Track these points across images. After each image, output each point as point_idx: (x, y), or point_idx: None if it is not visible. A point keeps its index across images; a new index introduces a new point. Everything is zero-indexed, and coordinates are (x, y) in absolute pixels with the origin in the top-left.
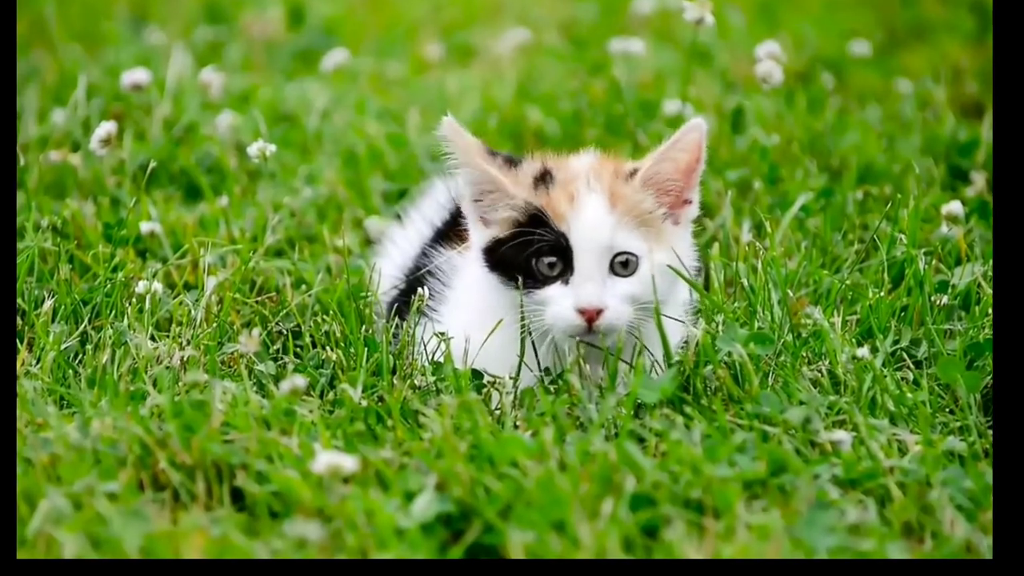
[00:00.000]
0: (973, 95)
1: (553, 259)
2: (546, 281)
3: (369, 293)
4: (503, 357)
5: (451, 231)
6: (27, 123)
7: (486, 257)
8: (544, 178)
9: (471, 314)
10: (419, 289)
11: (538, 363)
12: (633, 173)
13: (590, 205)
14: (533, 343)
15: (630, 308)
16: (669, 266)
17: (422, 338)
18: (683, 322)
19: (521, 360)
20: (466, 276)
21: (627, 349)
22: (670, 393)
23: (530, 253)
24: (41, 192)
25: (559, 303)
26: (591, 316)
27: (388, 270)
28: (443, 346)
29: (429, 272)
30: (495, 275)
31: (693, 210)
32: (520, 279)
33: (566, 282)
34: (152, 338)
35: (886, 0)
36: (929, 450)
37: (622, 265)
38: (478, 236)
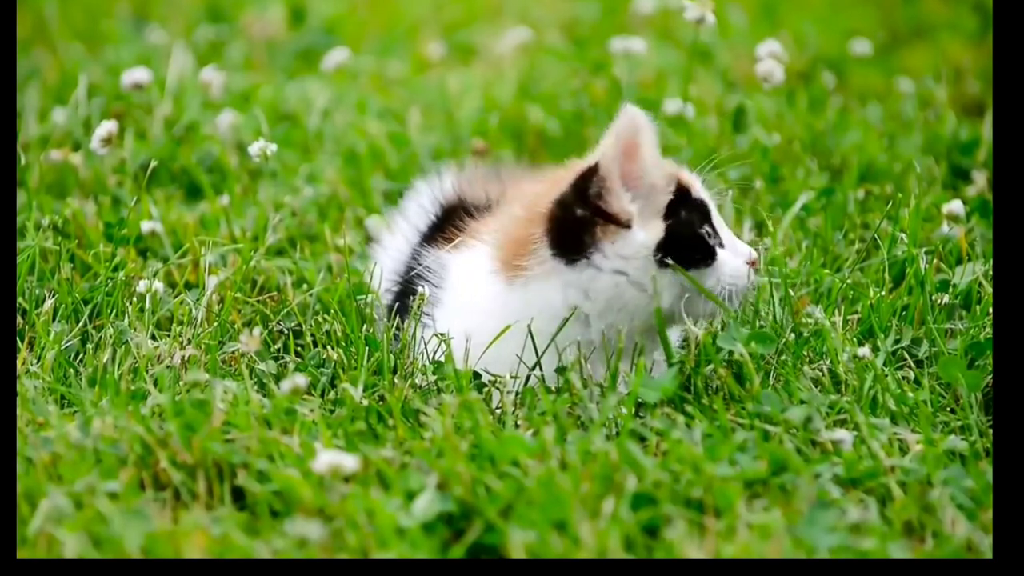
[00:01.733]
0: (974, 94)
1: (707, 227)
2: (713, 250)
3: (370, 293)
4: (508, 360)
5: (437, 233)
6: (28, 122)
7: (664, 250)
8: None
9: (480, 317)
10: (419, 288)
11: (540, 364)
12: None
13: (690, 175)
14: (533, 340)
15: None
16: (670, 265)
17: (423, 339)
18: None
19: (557, 362)
20: (470, 278)
21: (628, 348)
22: (671, 392)
23: (698, 227)
24: (42, 191)
25: (733, 264)
26: (756, 264)
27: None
28: (444, 347)
29: (419, 275)
30: (668, 268)
31: None
32: (694, 259)
33: (720, 245)
34: (153, 337)
35: None
36: (930, 449)
37: None
38: (631, 240)
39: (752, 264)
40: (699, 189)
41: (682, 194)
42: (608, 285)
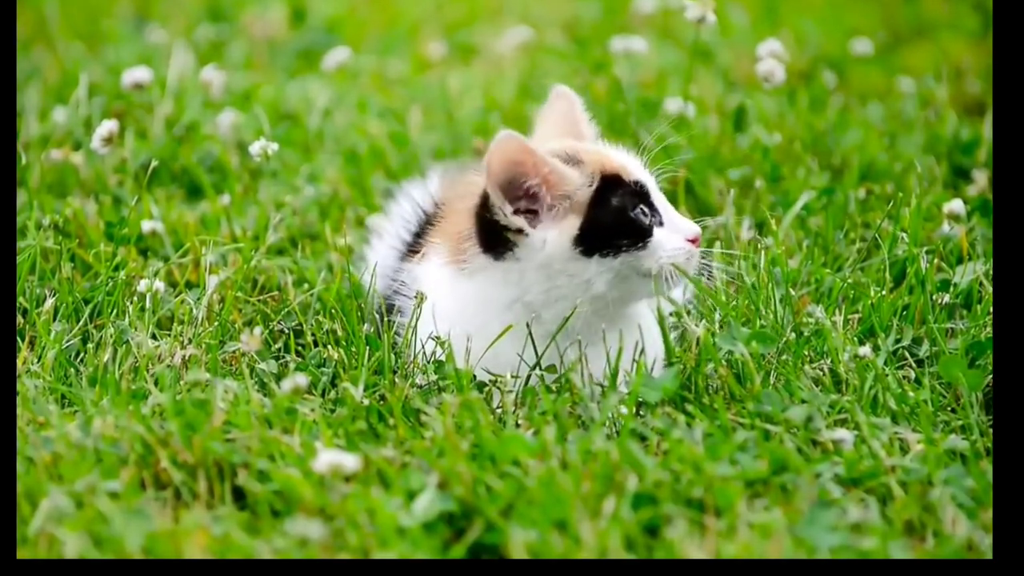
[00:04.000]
0: (975, 94)
1: (642, 207)
2: (649, 230)
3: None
4: (508, 358)
5: (418, 243)
6: (28, 122)
7: (584, 242)
8: (574, 159)
9: (467, 319)
10: (419, 289)
11: (538, 363)
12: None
13: (625, 155)
14: (532, 337)
15: None
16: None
17: (421, 341)
18: None
19: (538, 361)
20: (446, 285)
21: (629, 346)
22: (672, 392)
23: (630, 209)
24: (43, 191)
25: (671, 241)
26: (698, 240)
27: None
28: (440, 349)
29: (400, 289)
30: (595, 257)
31: None
32: (626, 242)
33: (659, 223)
34: (153, 337)
35: None
36: (931, 449)
37: None
38: (544, 240)
39: (693, 241)
40: (633, 171)
41: (610, 182)
42: (539, 278)
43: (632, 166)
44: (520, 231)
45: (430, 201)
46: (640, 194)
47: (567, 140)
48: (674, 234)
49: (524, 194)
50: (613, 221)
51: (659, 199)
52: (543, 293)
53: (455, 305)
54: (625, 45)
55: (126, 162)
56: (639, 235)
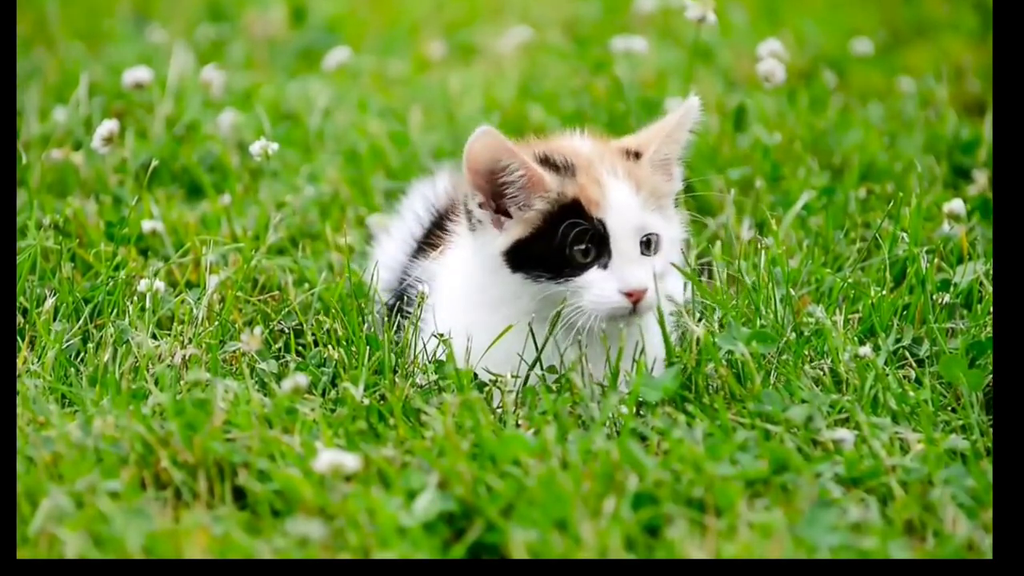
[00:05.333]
0: (975, 93)
1: (588, 246)
2: (583, 268)
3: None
4: (507, 357)
5: (429, 240)
6: (29, 121)
7: (510, 257)
8: (565, 167)
9: (464, 317)
10: (421, 288)
11: (540, 361)
12: (636, 154)
13: (619, 190)
14: (534, 337)
15: (657, 286)
16: (672, 263)
17: (423, 341)
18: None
19: (538, 358)
20: (449, 282)
21: (629, 346)
22: (672, 391)
23: (568, 243)
24: (43, 190)
25: (601, 287)
26: (638, 297)
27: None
28: (442, 348)
29: (410, 286)
30: (520, 274)
31: (678, 185)
32: (549, 272)
33: (604, 266)
34: (154, 336)
35: None
36: (931, 448)
37: (646, 245)
38: (492, 240)
39: (630, 295)
40: (607, 207)
41: (571, 210)
42: (480, 272)
43: (615, 201)
44: (474, 223)
45: (442, 199)
46: (594, 232)
47: (598, 151)
48: (609, 281)
49: (494, 185)
50: (542, 250)
51: (622, 244)
52: (488, 284)
53: (452, 280)
54: (625, 45)
55: (126, 162)
56: (562, 272)
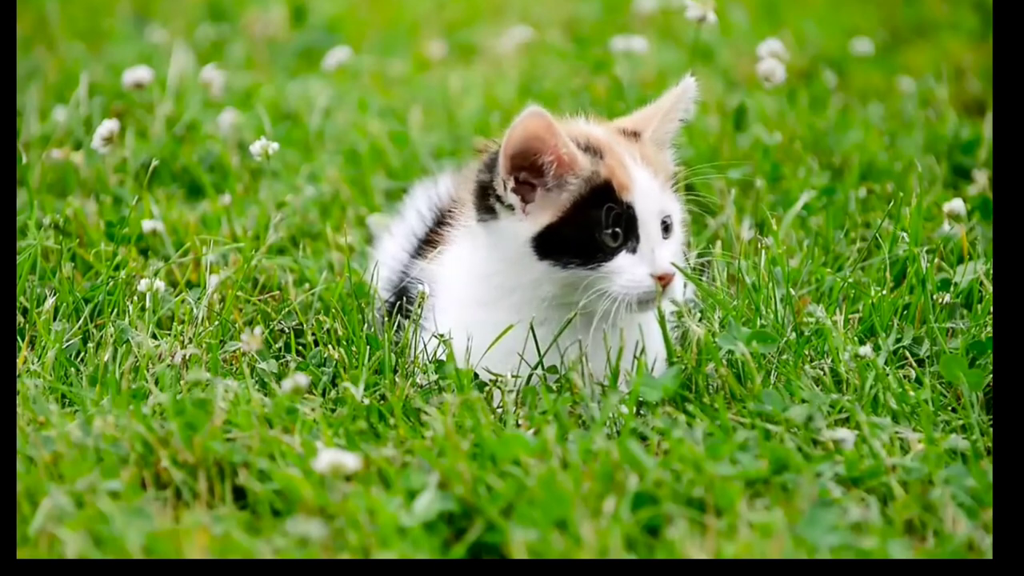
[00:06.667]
0: (975, 93)
1: (616, 230)
2: (612, 252)
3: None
4: (507, 357)
5: (430, 240)
6: (29, 121)
7: (539, 243)
8: (594, 150)
9: (464, 315)
10: (421, 287)
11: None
12: (635, 134)
13: (642, 173)
14: (535, 337)
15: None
16: (672, 263)
17: (423, 341)
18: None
19: (541, 360)
20: (451, 281)
21: (629, 345)
22: (672, 391)
23: (601, 227)
24: (43, 190)
25: (632, 271)
26: (669, 280)
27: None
28: (442, 348)
29: (409, 285)
30: (547, 261)
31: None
32: (579, 258)
33: (632, 251)
34: (154, 336)
35: None
36: (931, 448)
37: (664, 228)
38: (516, 227)
39: (660, 279)
40: (635, 190)
41: (602, 193)
42: (496, 258)
43: (641, 185)
44: (510, 207)
45: (445, 199)
46: (624, 216)
47: (618, 131)
48: (639, 266)
49: (530, 167)
50: (573, 235)
51: (649, 227)
52: (501, 275)
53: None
54: (625, 44)
55: (127, 161)
56: (593, 257)
